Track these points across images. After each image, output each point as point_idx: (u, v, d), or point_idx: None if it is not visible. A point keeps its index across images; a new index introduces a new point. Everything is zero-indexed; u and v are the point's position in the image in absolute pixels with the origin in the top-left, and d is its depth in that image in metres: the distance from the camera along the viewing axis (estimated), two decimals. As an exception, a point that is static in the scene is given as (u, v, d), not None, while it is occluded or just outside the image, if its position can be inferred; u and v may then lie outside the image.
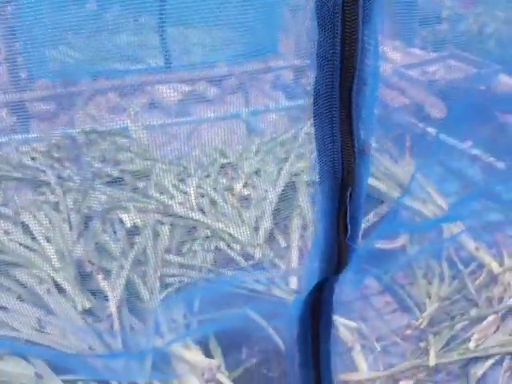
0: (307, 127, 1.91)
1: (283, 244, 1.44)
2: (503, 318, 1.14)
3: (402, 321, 1.19)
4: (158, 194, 1.64)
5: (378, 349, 1.10)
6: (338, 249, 0.67)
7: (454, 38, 3.25)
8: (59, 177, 1.71)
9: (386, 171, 1.62)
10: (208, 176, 1.80)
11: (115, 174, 1.81)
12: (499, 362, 1.06)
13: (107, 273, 1.28)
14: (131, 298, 1.19)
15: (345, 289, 1.17)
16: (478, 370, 1.05)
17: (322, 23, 0.49)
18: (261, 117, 2.27)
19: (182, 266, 1.30)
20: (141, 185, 1.73)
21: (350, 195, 0.60)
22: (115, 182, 1.76)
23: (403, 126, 2.08)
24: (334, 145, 0.56)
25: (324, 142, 0.56)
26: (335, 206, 0.62)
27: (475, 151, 1.87)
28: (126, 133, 2.18)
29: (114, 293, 1.20)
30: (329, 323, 0.75)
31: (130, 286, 1.25)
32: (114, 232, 1.51)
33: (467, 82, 2.62)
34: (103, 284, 1.23)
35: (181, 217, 1.51)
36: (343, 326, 1.13)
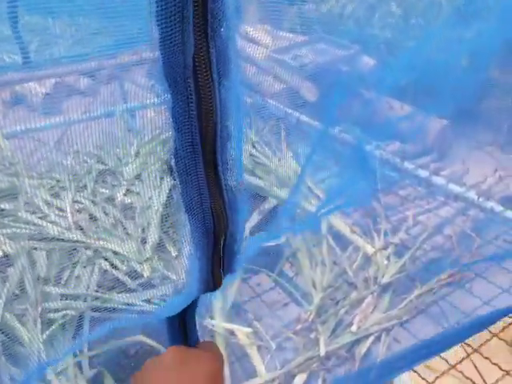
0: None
1: (174, 253, 1.41)
2: (378, 297, 1.26)
3: (293, 314, 1.26)
4: (29, 216, 1.49)
5: (274, 347, 1.15)
6: (212, 276, 0.67)
7: (318, 20, 3.40)
8: None
9: (265, 166, 1.66)
10: (84, 187, 1.68)
11: (-25, 196, 1.60)
12: (378, 338, 1.18)
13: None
14: (8, 343, 1.08)
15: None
16: (362, 349, 1.16)
17: (174, 89, 0.46)
18: (138, 114, 2.17)
19: (64, 297, 1.21)
20: (8, 206, 1.56)
21: (225, 239, 0.60)
22: (-25, 206, 1.56)
23: (279, 115, 2.15)
24: (202, 204, 0.55)
25: (191, 202, 0.54)
26: (208, 248, 0.62)
27: (346, 135, 2.00)
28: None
29: (-14, 341, 1.07)
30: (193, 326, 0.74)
31: (5, 329, 1.13)
32: (-19, 267, 1.34)
33: (334, 64, 2.79)
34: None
35: (58, 239, 1.39)
36: (238, 331, 1.16)
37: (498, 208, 1.53)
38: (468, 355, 1.21)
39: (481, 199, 1.58)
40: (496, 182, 2.02)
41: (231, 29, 0.52)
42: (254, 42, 2.87)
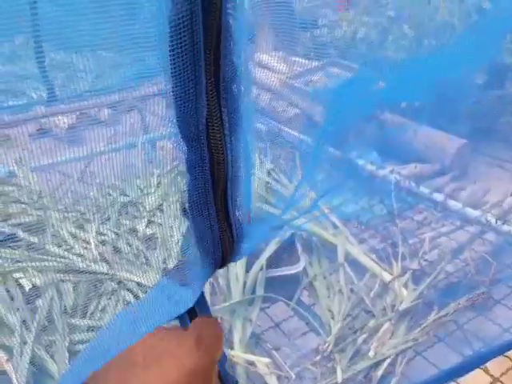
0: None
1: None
2: (396, 324, 1.27)
3: (311, 343, 1.27)
4: (56, 248, 1.56)
5: (293, 376, 1.17)
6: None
7: (332, 45, 3.46)
8: None
9: (281, 194, 1.70)
10: (108, 219, 1.75)
11: (6, 230, 1.68)
12: (393, 361, 1.19)
13: (9, 351, 1.20)
14: (37, 374, 1.13)
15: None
16: (378, 372, 1.17)
17: (188, 144, 0.51)
18: (158, 144, 2.24)
19: (90, 328, 1.26)
20: (36, 239, 1.63)
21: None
22: (7, 240, 1.64)
23: (294, 142, 2.19)
24: (213, 239, 0.59)
25: (202, 238, 0.59)
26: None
27: (360, 160, 2.02)
28: (13, 179, 2.03)
29: (17, 373, 1.13)
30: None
31: (35, 361, 1.18)
32: (12, 299, 1.41)
33: (348, 87, 2.84)
34: (7, 366, 1.15)
35: (84, 271, 1.46)
36: (257, 361, 1.18)
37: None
38: None
39: (499, 222, 1.57)
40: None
41: (242, 88, 0.57)
42: (269, 69, 2.95)
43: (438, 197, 1.76)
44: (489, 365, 1.18)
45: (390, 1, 3.42)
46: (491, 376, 1.19)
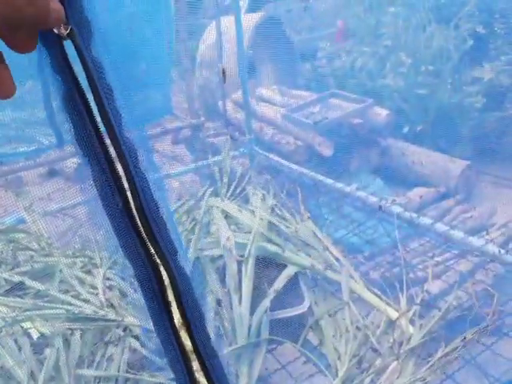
0: (208, 194, 1.97)
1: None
2: (403, 363, 1.26)
3: (319, 384, 1.27)
4: (63, 295, 1.58)
5: (301, 421, 1.16)
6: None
7: (331, 75, 3.53)
8: None
9: (283, 232, 1.71)
10: (114, 263, 1.77)
11: (14, 278, 1.71)
12: (405, 406, 1.17)
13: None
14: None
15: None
16: (390, 419, 1.15)
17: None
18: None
19: (97, 379, 1.26)
20: (43, 286, 1.66)
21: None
22: (15, 288, 1.66)
23: (296, 176, 2.22)
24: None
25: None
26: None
27: (361, 193, 2.04)
28: (22, 226, 2.07)
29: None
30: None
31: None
32: (19, 349, 1.43)
33: (348, 117, 2.87)
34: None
35: (91, 319, 1.47)
36: (265, 407, 1.17)
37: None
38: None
39: (502, 251, 1.57)
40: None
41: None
42: (270, 103, 3.01)
43: (441, 227, 1.75)
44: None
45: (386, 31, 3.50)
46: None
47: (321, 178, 2.11)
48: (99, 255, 1.76)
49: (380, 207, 1.85)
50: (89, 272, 1.75)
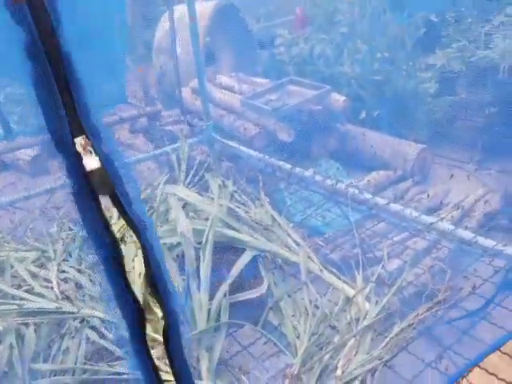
0: (162, 184, 1.93)
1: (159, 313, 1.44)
2: (361, 339, 1.29)
3: (279, 364, 1.28)
4: (15, 290, 1.52)
5: (262, 400, 1.17)
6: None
7: (290, 62, 3.53)
8: None
9: (243, 217, 1.71)
10: (69, 255, 1.72)
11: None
12: (363, 381, 1.20)
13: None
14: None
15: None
16: (349, 393, 1.17)
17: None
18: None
19: (53, 372, 1.23)
20: (-5, 282, 1.59)
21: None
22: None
23: (255, 162, 2.22)
24: None
25: None
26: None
27: (319, 177, 2.05)
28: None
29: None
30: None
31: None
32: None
33: (306, 104, 2.89)
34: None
35: (45, 312, 1.42)
36: (226, 389, 1.17)
37: (470, 237, 1.57)
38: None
39: (457, 229, 1.62)
40: (478, 199, 2.08)
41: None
42: (229, 90, 2.97)
43: (396, 207, 1.80)
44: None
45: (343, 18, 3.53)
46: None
47: (280, 163, 2.11)
48: (53, 248, 1.70)
49: (339, 190, 1.87)
50: (42, 266, 1.69)
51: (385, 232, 1.79)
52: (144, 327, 0.66)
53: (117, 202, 0.63)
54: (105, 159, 0.60)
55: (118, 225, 0.75)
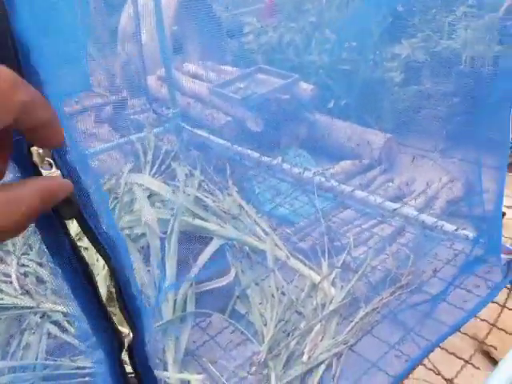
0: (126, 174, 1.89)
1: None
2: (326, 324, 1.30)
3: (246, 352, 1.28)
4: (-28, 286, 1.46)
5: (229, 389, 1.17)
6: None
7: (258, 51, 3.50)
8: None
9: (211, 206, 1.70)
10: (29, 248, 1.66)
11: None
12: (329, 365, 1.22)
13: None
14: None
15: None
16: (315, 379, 1.19)
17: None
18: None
19: (12, 369, 1.19)
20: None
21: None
22: None
23: (224, 151, 2.20)
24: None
25: None
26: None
27: (286, 165, 2.06)
28: None
29: None
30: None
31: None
32: None
33: (275, 92, 2.88)
34: None
35: (3, 307, 1.37)
36: (193, 380, 1.17)
37: (432, 221, 1.61)
38: None
39: (421, 215, 1.66)
40: (441, 186, 2.14)
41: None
42: (197, 78, 2.92)
43: (360, 193, 1.82)
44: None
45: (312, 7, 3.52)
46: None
47: (249, 152, 2.10)
48: (12, 241, 1.64)
49: (306, 178, 1.88)
50: (1, 260, 1.63)
51: (351, 219, 1.81)
52: (110, 319, 0.63)
53: (85, 228, 0.53)
54: (69, 173, 0.49)
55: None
